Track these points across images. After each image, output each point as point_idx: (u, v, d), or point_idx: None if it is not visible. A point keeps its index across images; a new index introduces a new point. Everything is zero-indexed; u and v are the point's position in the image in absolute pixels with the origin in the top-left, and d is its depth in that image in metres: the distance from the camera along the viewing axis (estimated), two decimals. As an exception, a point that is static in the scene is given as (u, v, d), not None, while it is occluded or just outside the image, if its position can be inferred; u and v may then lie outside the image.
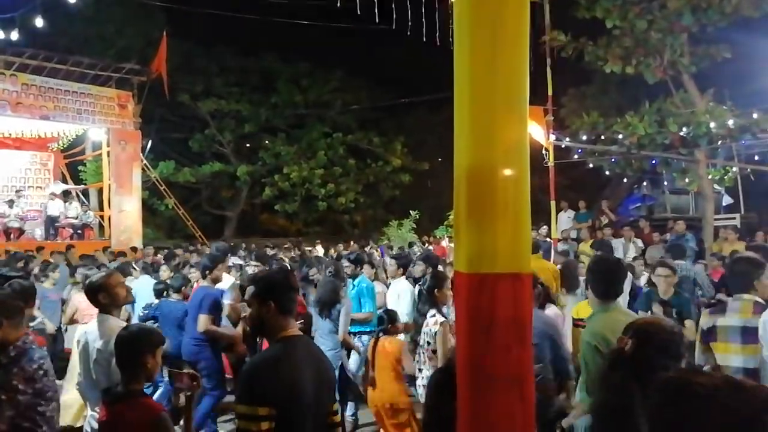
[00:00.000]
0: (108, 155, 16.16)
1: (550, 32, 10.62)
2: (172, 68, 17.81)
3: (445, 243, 14.63)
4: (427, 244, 14.23)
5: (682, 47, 10.43)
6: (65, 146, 17.90)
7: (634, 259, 8.52)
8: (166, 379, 5.24)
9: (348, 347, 5.68)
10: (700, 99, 10.67)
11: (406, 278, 6.64)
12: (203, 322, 5.16)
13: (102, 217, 16.98)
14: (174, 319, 5.73)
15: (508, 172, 1.56)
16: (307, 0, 17.20)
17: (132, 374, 2.63)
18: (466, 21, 1.63)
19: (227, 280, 6.16)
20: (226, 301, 5.70)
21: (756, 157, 13.56)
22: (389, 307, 5.68)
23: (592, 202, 14.78)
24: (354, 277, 6.23)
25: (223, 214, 26.74)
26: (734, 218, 13.19)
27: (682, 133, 10.40)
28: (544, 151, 10.36)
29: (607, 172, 15.06)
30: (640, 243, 10.33)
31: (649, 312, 4.36)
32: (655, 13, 10.19)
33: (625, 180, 17.54)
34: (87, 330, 3.45)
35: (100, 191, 17.60)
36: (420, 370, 4.33)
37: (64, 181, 17.59)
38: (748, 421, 1.07)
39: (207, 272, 5.51)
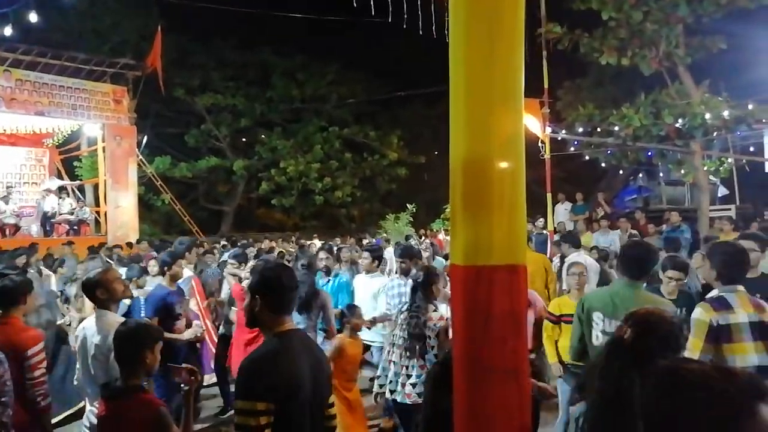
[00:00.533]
0: (103, 151, 16.10)
1: (545, 24, 10.62)
2: (168, 63, 17.73)
3: (441, 236, 14.66)
4: (423, 238, 14.24)
5: (677, 38, 10.44)
6: (60, 142, 17.81)
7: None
8: None
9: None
10: (695, 90, 10.69)
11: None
12: None
13: (98, 212, 16.94)
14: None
15: (503, 164, 1.57)
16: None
17: (131, 369, 2.65)
18: (462, 14, 1.63)
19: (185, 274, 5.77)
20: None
21: (751, 148, 13.61)
22: (356, 303, 5.48)
23: (588, 195, 14.84)
24: (329, 272, 6.06)
25: (220, 209, 26.70)
26: (729, 209, 13.25)
27: (677, 125, 10.42)
28: (540, 144, 10.38)
29: (603, 164, 15.10)
30: (636, 234, 10.37)
31: None
32: (650, 4, 10.19)
33: (621, 172, 17.59)
34: (85, 325, 3.46)
35: (96, 187, 17.55)
36: (409, 367, 4.17)
37: (60, 177, 17.53)
38: (741, 408, 1.08)
39: (166, 268, 5.16)
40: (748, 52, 11.68)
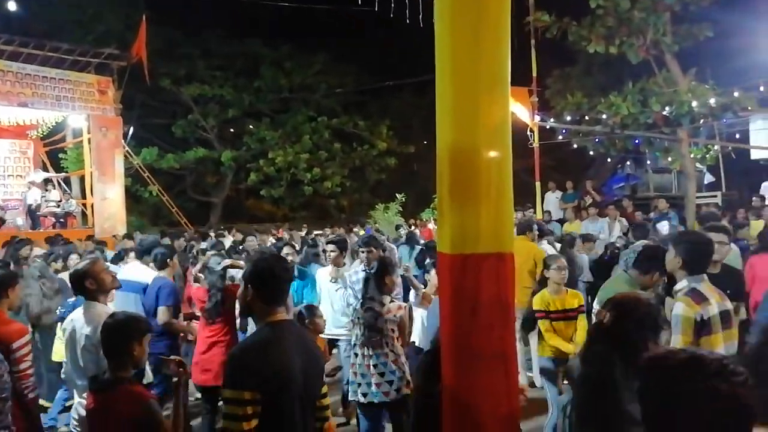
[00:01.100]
0: (89, 142, 15.90)
1: (534, 13, 10.60)
2: (153, 53, 17.46)
3: (431, 225, 14.69)
4: (413, 227, 14.26)
5: (664, 26, 10.46)
6: (45, 134, 17.56)
7: (619, 237, 8.62)
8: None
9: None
10: (682, 78, 10.73)
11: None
12: (163, 313, 4.92)
13: (84, 205, 16.76)
14: None
15: (490, 153, 1.57)
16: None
17: (119, 362, 2.63)
18: (447, 2, 1.62)
19: (148, 273, 5.60)
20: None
21: (737, 136, 13.74)
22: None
23: (577, 183, 14.90)
24: (306, 264, 5.94)
25: (209, 200, 26.52)
26: (716, 196, 13.40)
27: (664, 113, 10.48)
28: (529, 132, 10.41)
29: (591, 153, 15.17)
30: (624, 222, 10.45)
31: None
32: (638, -8, 10.19)
33: (609, 160, 17.69)
34: (74, 317, 3.44)
35: (82, 179, 17.34)
36: (374, 366, 4.01)
37: (45, 169, 17.29)
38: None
39: (169, 261, 5.25)
40: (734, 40, 11.76)
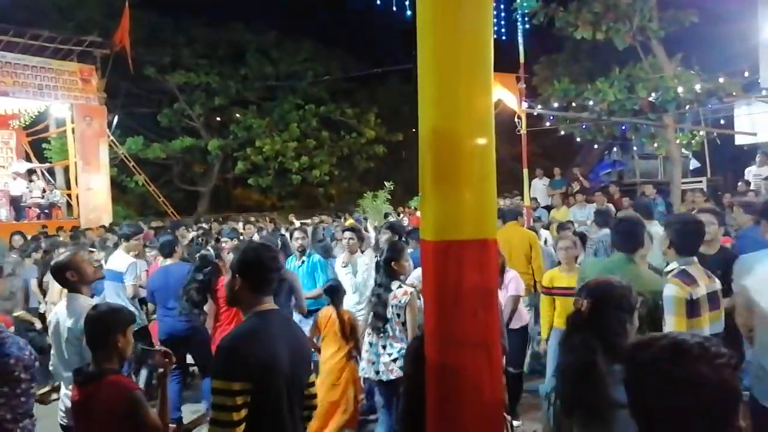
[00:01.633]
0: (73, 132, 15.69)
1: (520, -2, 10.55)
2: (137, 40, 17.22)
3: (420, 213, 14.66)
4: (401, 215, 14.26)
5: (650, 12, 10.48)
6: (27, 123, 17.30)
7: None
8: None
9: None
10: (668, 64, 10.78)
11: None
12: None
13: (69, 195, 16.57)
14: None
15: (472, 138, 1.55)
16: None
17: (103, 354, 2.61)
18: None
19: (125, 260, 5.69)
20: (128, 282, 5.49)
21: (722, 121, 13.84)
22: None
23: (564, 169, 14.97)
24: (304, 251, 5.93)
25: (196, 190, 26.31)
26: (701, 181, 13.51)
27: (650, 99, 10.53)
28: (516, 119, 10.38)
29: (579, 139, 15.21)
30: (612, 208, 10.52)
31: None
32: (624, -23, 10.20)
33: (596, 146, 17.76)
34: (57, 310, 3.41)
35: (67, 169, 17.13)
36: (384, 347, 4.20)
37: (28, 160, 17.06)
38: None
39: (176, 248, 5.53)
40: (719, 25, 11.80)
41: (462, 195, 1.55)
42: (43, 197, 15.23)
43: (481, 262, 1.56)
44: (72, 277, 3.29)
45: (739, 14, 11.18)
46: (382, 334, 4.18)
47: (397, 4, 8.96)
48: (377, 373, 4.20)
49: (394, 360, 4.12)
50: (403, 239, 5.94)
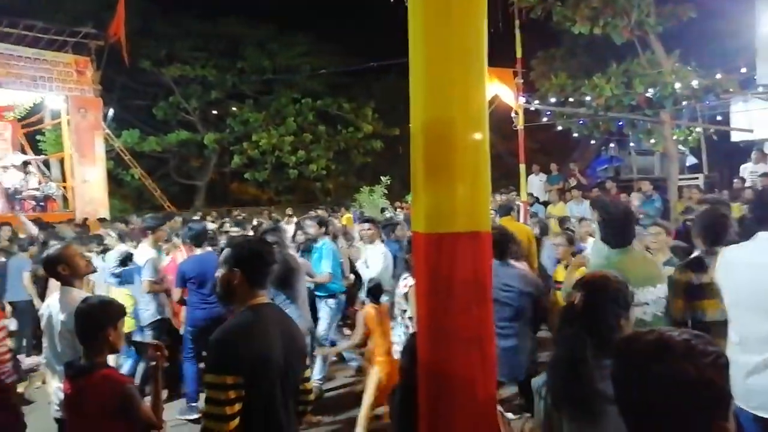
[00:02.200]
0: (68, 124, 15.60)
1: (518, -8, 10.51)
2: (132, 32, 17.09)
3: (411, 205, 14.60)
4: (398, 210, 14.23)
5: (648, 7, 10.44)
6: (22, 115, 17.17)
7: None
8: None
9: None
10: (666, 60, 10.75)
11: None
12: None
13: (65, 188, 16.48)
14: None
15: (465, 130, 1.53)
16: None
17: (94, 347, 2.59)
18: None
19: (145, 255, 5.74)
20: (145, 278, 5.51)
21: (718, 118, 13.84)
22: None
23: (561, 165, 14.95)
24: (316, 240, 6.13)
25: (193, 184, 26.23)
26: (698, 178, 13.51)
27: (648, 94, 10.51)
28: (513, 114, 10.37)
29: (576, 135, 15.20)
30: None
31: None
32: (622, -28, 10.15)
33: (592, 142, 17.75)
34: (50, 303, 3.38)
35: (62, 162, 17.03)
36: (399, 336, 4.39)
37: (23, 152, 16.96)
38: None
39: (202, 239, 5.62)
40: (717, 22, 11.78)
41: (455, 187, 1.53)
42: (38, 189, 15.15)
43: (474, 254, 1.54)
44: (63, 270, 3.27)
45: (736, 10, 11.17)
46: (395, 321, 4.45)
47: (394, -3, 8.89)
48: None
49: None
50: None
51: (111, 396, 2.48)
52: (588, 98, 10.92)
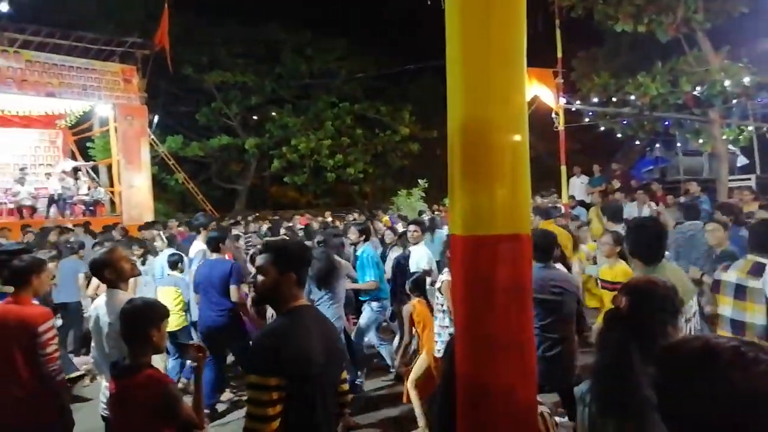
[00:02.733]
0: (115, 131, 16.16)
1: (558, -9, 10.33)
2: (175, 41, 17.61)
3: (448, 207, 14.49)
4: (436, 213, 14.15)
5: (696, 3, 10.10)
6: (73, 123, 17.90)
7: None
8: None
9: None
10: (714, 57, 10.38)
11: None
12: (235, 292, 5.35)
13: (112, 193, 17.07)
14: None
15: (504, 129, 1.49)
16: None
17: (138, 348, 2.65)
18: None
19: (196, 247, 6.46)
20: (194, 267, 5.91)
21: (772, 116, 13.25)
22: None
23: (604, 166, 14.59)
24: (356, 245, 6.33)
25: (234, 188, 26.77)
26: (749, 179, 12.96)
27: (695, 93, 10.17)
28: (554, 115, 10.18)
29: (619, 135, 14.81)
30: (654, 206, 10.19)
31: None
32: (668, -33, 9.87)
33: (637, 143, 17.26)
34: (97, 305, 3.48)
35: (110, 167, 17.66)
36: (439, 334, 4.47)
37: (74, 158, 17.65)
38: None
39: (221, 245, 5.66)
40: (770, 16, 11.26)
41: (493, 188, 1.49)
42: (88, 195, 15.72)
43: (514, 257, 1.50)
44: (110, 274, 3.36)
45: (790, 4, 10.67)
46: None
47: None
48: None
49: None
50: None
51: (154, 396, 2.53)
52: (632, 98, 10.63)
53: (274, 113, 25.16)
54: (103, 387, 3.44)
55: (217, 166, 25.91)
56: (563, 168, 10.11)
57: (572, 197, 11.34)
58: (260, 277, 2.23)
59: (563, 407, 4.06)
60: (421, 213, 13.87)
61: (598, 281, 4.94)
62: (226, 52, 24.22)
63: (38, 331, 3.22)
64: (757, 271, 3.39)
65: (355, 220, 13.33)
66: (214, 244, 5.64)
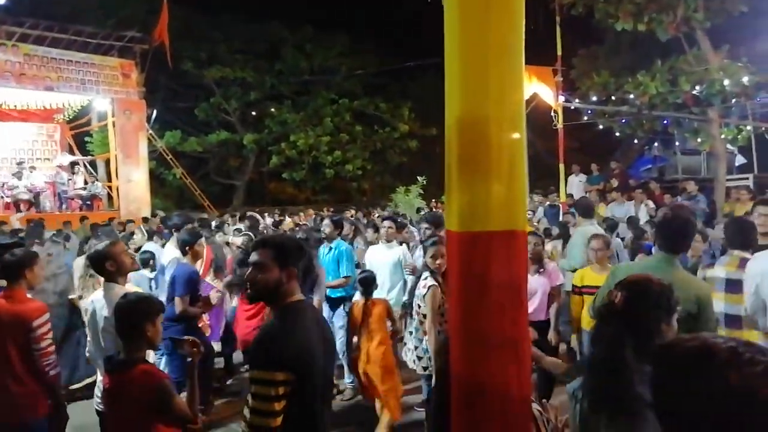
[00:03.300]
0: (113, 125, 16.12)
1: (558, -11, 10.32)
2: (175, 36, 17.54)
3: (445, 203, 14.49)
4: (434, 210, 14.16)
5: (696, 2, 10.09)
6: (71, 117, 17.85)
7: (647, 222, 8.41)
8: None
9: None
10: (714, 56, 10.37)
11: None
12: (180, 303, 4.61)
13: (110, 187, 17.04)
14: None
15: (501, 125, 1.49)
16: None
17: (132, 342, 2.64)
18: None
19: (169, 255, 5.55)
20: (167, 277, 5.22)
21: (771, 115, 13.25)
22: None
23: (602, 165, 14.59)
24: (331, 239, 5.89)
25: (232, 183, 26.74)
26: (747, 178, 12.97)
27: (694, 92, 10.16)
28: (552, 113, 10.19)
29: (618, 134, 14.81)
30: (651, 205, 10.20)
31: None
32: (668, -34, 9.85)
33: (635, 141, 17.26)
34: (94, 299, 3.47)
35: (108, 162, 17.62)
36: (410, 333, 4.33)
37: (71, 153, 17.61)
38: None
39: (187, 248, 4.96)
40: (770, 16, 11.24)
41: (490, 185, 1.48)
42: (85, 189, 15.69)
43: (509, 254, 1.49)
44: (111, 267, 3.35)
45: (791, 3, 10.65)
46: (413, 326, 4.30)
47: (431, -3, 8.85)
48: (420, 364, 4.30)
49: (420, 358, 4.21)
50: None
51: (148, 390, 2.52)
52: (631, 96, 10.62)
53: (273, 109, 25.13)
54: (98, 381, 3.44)
55: (215, 161, 25.88)
56: (562, 166, 10.12)
57: (570, 195, 11.34)
58: (259, 274, 2.18)
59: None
60: (419, 210, 13.89)
61: (576, 287, 4.75)
62: (225, 48, 24.17)
63: (33, 326, 3.21)
64: (745, 265, 3.57)
65: (353, 216, 13.32)
66: (181, 248, 5.03)
